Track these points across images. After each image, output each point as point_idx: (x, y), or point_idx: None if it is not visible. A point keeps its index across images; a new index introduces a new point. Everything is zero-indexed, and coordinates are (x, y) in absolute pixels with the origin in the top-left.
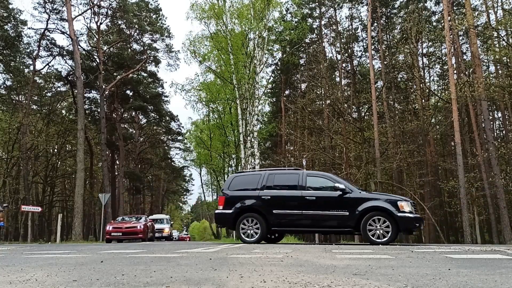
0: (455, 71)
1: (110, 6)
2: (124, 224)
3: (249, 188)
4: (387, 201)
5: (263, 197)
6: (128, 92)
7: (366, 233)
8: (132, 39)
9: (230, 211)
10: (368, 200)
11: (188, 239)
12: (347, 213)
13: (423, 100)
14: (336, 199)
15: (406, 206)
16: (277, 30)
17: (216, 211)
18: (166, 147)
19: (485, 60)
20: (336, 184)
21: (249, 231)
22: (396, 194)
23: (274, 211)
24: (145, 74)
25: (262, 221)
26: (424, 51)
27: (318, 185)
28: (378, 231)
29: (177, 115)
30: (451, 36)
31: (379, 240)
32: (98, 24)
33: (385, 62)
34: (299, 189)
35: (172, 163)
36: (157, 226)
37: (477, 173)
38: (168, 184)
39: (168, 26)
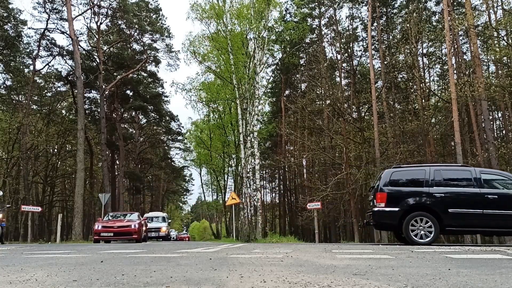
0: (455, 71)
1: (110, 6)
2: (116, 223)
3: (414, 184)
4: None
5: (435, 194)
6: (128, 92)
7: None
8: (132, 39)
9: (396, 209)
10: None
11: (187, 239)
12: None
13: (423, 100)
14: None
15: None
16: (277, 30)
17: (376, 209)
18: (166, 147)
19: (485, 60)
20: None
21: (420, 232)
22: None
23: (450, 210)
24: (145, 74)
25: (435, 221)
26: (424, 51)
27: (495, 183)
28: None
29: (177, 115)
30: (451, 36)
31: None
32: (98, 24)
33: (385, 62)
34: (476, 186)
35: (172, 163)
36: (153, 224)
37: None
38: (168, 184)
39: (168, 26)
